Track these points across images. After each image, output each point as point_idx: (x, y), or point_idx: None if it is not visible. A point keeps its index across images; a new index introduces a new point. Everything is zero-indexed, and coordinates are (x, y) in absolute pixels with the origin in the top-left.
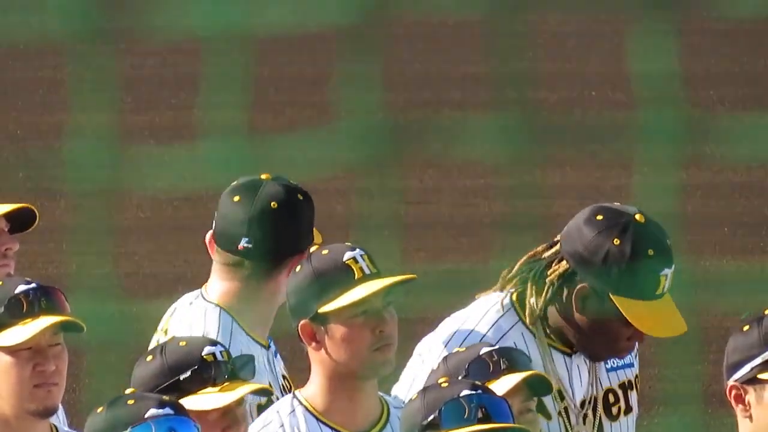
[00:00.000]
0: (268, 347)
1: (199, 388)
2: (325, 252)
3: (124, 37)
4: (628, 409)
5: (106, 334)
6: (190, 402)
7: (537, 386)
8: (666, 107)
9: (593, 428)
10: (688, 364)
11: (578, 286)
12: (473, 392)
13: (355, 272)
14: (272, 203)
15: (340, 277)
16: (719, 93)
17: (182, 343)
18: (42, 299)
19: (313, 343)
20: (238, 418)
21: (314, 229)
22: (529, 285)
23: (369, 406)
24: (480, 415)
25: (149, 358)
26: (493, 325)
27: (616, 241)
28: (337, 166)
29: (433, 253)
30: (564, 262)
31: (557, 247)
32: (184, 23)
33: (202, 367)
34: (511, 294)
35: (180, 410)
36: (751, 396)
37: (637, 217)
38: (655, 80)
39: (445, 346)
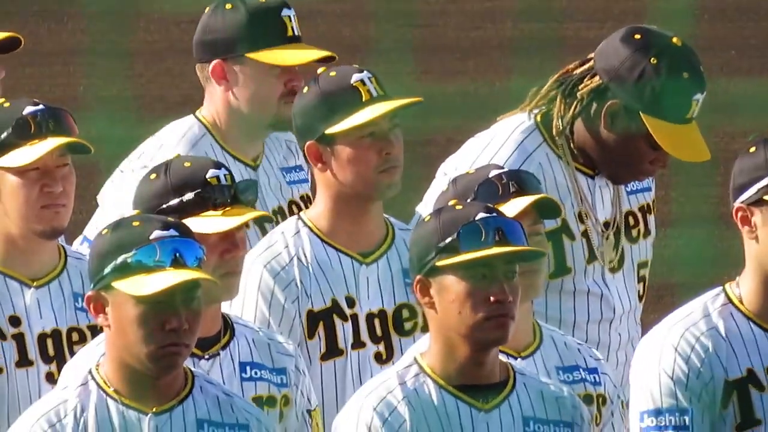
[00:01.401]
0: (255, 166)
1: (200, 210)
2: (332, 74)
3: None
4: (647, 232)
5: (113, 157)
6: (191, 224)
7: (545, 209)
8: None
9: (614, 249)
10: (697, 186)
11: (609, 102)
12: (489, 215)
13: (363, 94)
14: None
15: (347, 98)
16: None
17: (186, 164)
18: (50, 120)
19: (319, 164)
20: (238, 242)
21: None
22: (558, 100)
23: (374, 228)
24: (497, 237)
25: (153, 176)
26: (518, 146)
27: (653, 60)
28: None
29: (441, 76)
30: (596, 78)
31: (590, 63)
32: None
33: (205, 190)
34: (535, 115)
35: (185, 232)
36: (757, 217)
37: (674, 39)
38: None
39: (471, 166)
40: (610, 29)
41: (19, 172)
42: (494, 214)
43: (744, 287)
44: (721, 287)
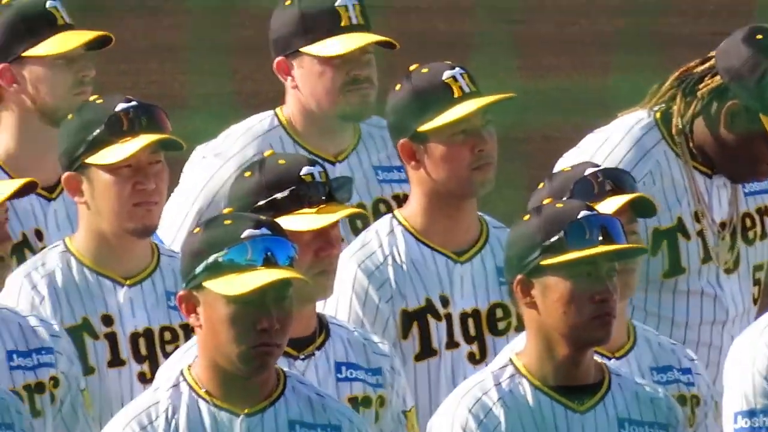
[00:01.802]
0: (335, 161)
1: (295, 207)
2: (424, 70)
3: None
4: (764, 234)
5: None
6: (285, 222)
7: (641, 208)
8: None
9: (730, 251)
10: None
11: (729, 102)
12: (591, 213)
13: (455, 91)
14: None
15: (439, 95)
16: None
17: (281, 161)
18: (142, 117)
19: (413, 162)
20: (332, 240)
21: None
22: (678, 98)
23: (468, 226)
24: (601, 236)
25: (247, 173)
26: (636, 143)
27: None
28: None
29: (537, 72)
30: (717, 77)
31: (711, 62)
32: None
33: (299, 187)
34: (655, 112)
35: (277, 230)
36: None
37: None
38: None
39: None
40: (705, 24)
41: (111, 169)
42: (596, 212)
43: None
44: None
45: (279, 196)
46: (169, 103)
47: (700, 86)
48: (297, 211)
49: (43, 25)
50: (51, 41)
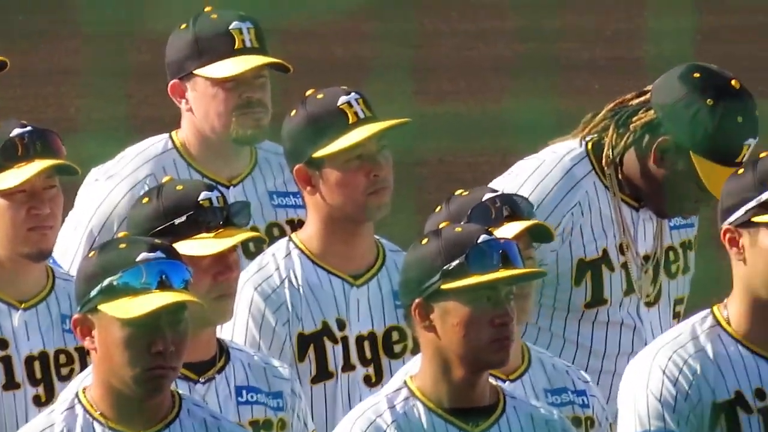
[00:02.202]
0: (229, 185)
1: (193, 233)
2: (320, 96)
3: None
4: (686, 268)
5: None
6: (184, 247)
7: (538, 234)
8: None
9: (652, 283)
10: None
11: (660, 138)
12: (491, 237)
13: (349, 116)
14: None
15: (334, 121)
16: None
17: (179, 187)
18: (37, 142)
19: (309, 188)
20: (231, 264)
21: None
22: (611, 129)
23: (364, 250)
24: (501, 260)
25: (145, 200)
26: (566, 173)
27: (710, 102)
28: (338, 9)
29: (434, 97)
30: (651, 112)
31: (647, 96)
32: None
33: (197, 212)
34: (587, 143)
35: (172, 254)
36: (745, 239)
37: (733, 82)
38: None
39: (517, 190)
40: (602, 50)
41: (5, 194)
42: (495, 237)
43: (732, 309)
44: (709, 309)
45: (177, 221)
46: (66, 127)
47: (634, 119)
48: (195, 236)
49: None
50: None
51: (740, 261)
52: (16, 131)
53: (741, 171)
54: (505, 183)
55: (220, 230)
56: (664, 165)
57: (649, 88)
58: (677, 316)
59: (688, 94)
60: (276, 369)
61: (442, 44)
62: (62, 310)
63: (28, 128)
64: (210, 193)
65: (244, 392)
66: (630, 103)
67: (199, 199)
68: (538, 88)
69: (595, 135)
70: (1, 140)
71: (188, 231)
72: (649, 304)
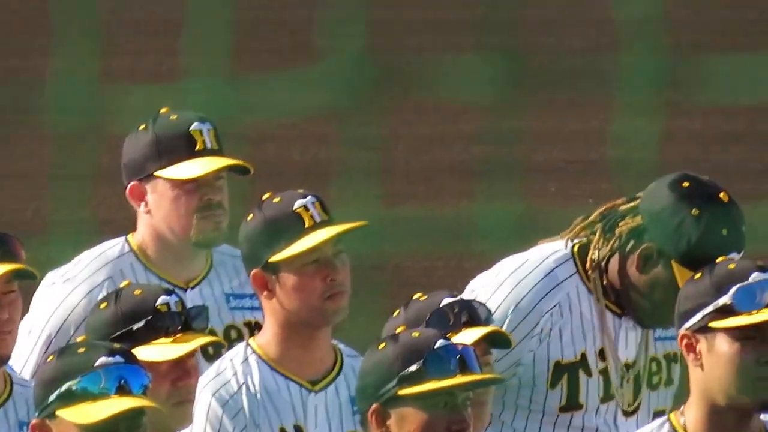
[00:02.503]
0: (186, 288)
1: (152, 338)
2: (276, 200)
3: None
4: (669, 381)
5: None
6: (142, 352)
7: (496, 340)
8: (648, 51)
9: (635, 393)
10: None
11: (645, 244)
12: (448, 343)
13: (306, 220)
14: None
15: (290, 225)
16: (701, 37)
17: (137, 292)
18: None
19: (265, 292)
20: (189, 369)
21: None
22: (598, 233)
23: (322, 355)
24: (459, 366)
25: (103, 305)
26: (549, 273)
27: (695, 212)
28: (296, 113)
29: (392, 200)
30: (638, 218)
31: (636, 202)
32: None
33: (155, 318)
34: (574, 245)
35: (130, 359)
36: (702, 344)
37: (722, 194)
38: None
39: (498, 287)
40: (560, 151)
41: None
42: (452, 342)
43: (689, 416)
44: (666, 416)
45: (135, 326)
46: (24, 230)
47: (621, 224)
48: (154, 341)
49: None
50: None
51: (697, 367)
52: None
53: (698, 276)
54: (486, 280)
55: (179, 335)
56: (645, 272)
57: (640, 194)
58: None
59: (675, 202)
60: None
61: (400, 148)
62: (20, 416)
63: None
64: (168, 297)
65: None
66: (620, 208)
67: (157, 304)
68: (496, 191)
69: (584, 238)
70: None
71: (147, 336)
72: (627, 414)
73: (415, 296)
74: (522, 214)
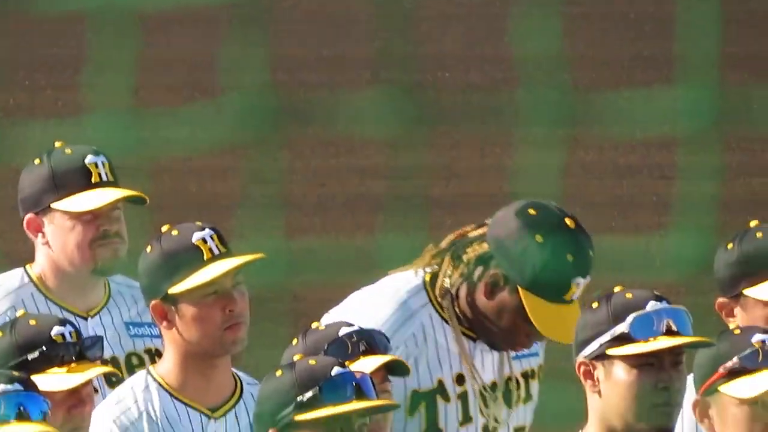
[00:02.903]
0: (86, 317)
1: (47, 367)
2: (174, 232)
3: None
4: (528, 397)
5: None
6: (37, 381)
7: (394, 369)
8: (547, 88)
9: (512, 407)
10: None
11: (492, 271)
12: (344, 370)
13: (204, 252)
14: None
15: (188, 257)
16: (598, 73)
17: (32, 322)
18: None
19: (165, 323)
20: (84, 397)
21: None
22: (446, 260)
23: (222, 383)
24: (355, 392)
25: None
26: (401, 305)
27: (539, 238)
28: (193, 146)
29: (286, 232)
30: (485, 244)
31: (484, 229)
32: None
33: (50, 348)
34: (425, 274)
35: (29, 386)
36: (599, 371)
37: (568, 221)
38: (537, 61)
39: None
40: (454, 186)
41: None
42: (348, 369)
43: None
44: None
45: (30, 356)
46: None
47: (468, 251)
48: (48, 371)
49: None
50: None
51: (595, 393)
52: None
53: (596, 305)
54: (340, 313)
55: (73, 365)
56: (492, 298)
57: (488, 221)
58: None
59: (519, 229)
60: None
61: (295, 180)
62: None
63: None
64: (63, 328)
65: None
66: (469, 235)
67: (52, 334)
68: (392, 224)
69: (435, 266)
70: None
71: (42, 365)
72: None
73: (314, 325)
74: (418, 246)
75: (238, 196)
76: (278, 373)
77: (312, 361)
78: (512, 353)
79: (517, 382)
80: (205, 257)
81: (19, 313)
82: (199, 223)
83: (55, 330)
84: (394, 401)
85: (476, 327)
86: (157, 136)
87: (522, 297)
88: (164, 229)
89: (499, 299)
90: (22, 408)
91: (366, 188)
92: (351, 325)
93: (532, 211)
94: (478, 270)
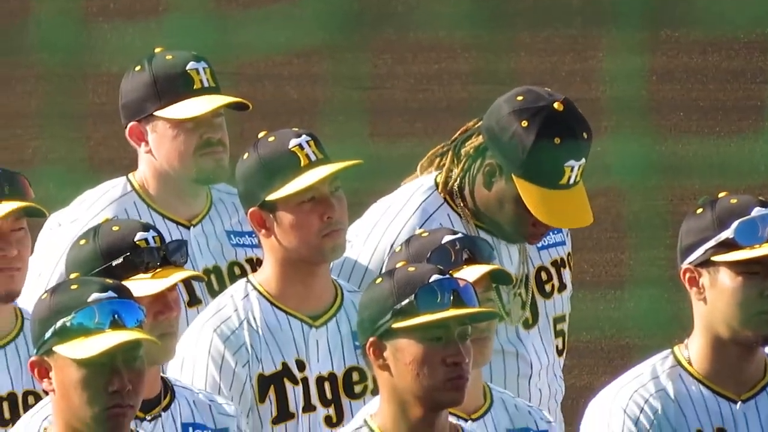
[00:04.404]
0: (189, 225)
1: (131, 273)
2: (271, 139)
3: None
4: (562, 287)
5: None
6: None
7: (498, 277)
8: None
9: (525, 306)
10: (646, 248)
11: (487, 162)
12: (443, 277)
13: (301, 159)
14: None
15: (285, 164)
16: None
17: (115, 228)
18: (5, 185)
19: (263, 230)
20: (170, 303)
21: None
22: (449, 157)
23: (322, 291)
24: (452, 299)
25: (82, 241)
26: (418, 208)
27: (524, 123)
28: (292, 51)
29: (389, 138)
30: (480, 137)
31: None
32: None
33: (134, 253)
34: (436, 176)
35: (123, 293)
36: (704, 278)
37: (556, 105)
38: None
39: (371, 231)
40: (558, 91)
41: None
42: (448, 276)
43: (693, 349)
44: (670, 349)
45: (114, 263)
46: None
47: (467, 144)
48: (133, 277)
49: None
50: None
51: (700, 301)
52: None
53: (700, 210)
54: (358, 227)
55: (158, 270)
56: (492, 190)
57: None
58: (560, 334)
59: (507, 116)
60: (221, 406)
61: (396, 86)
62: (31, 352)
63: None
64: (146, 233)
65: (190, 429)
66: (469, 130)
67: (135, 240)
68: None
69: (443, 166)
70: None
71: (126, 272)
72: (527, 327)
73: (417, 232)
74: None
75: (335, 101)
76: (378, 280)
77: (411, 269)
78: (538, 244)
79: (548, 272)
80: (302, 163)
81: (102, 219)
82: (295, 129)
83: (139, 235)
84: (495, 309)
85: (486, 221)
86: (246, 39)
87: (516, 185)
88: (260, 135)
89: (497, 190)
90: (116, 316)
91: (467, 93)
92: (455, 232)
93: (519, 98)
94: (477, 162)
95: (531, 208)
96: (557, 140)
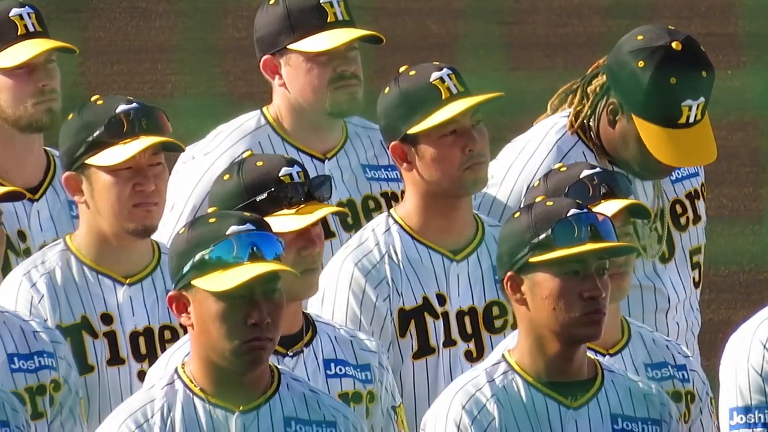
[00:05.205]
0: (324, 159)
1: (275, 209)
2: (412, 73)
3: None
4: (697, 218)
5: None
6: None
7: (635, 211)
8: None
9: (662, 240)
10: None
11: (610, 101)
12: (581, 211)
13: (442, 92)
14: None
15: (427, 97)
16: None
17: (259, 163)
18: (143, 119)
19: (405, 164)
20: (314, 238)
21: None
22: (577, 95)
23: (463, 225)
24: (590, 233)
25: (226, 176)
26: (553, 147)
27: (641, 63)
28: None
29: (529, 72)
30: (603, 76)
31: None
32: None
33: (278, 189)
34: (570, 114)
35: (262, 226)
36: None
37: (674, 44)
38: None
39: (507, 172)
40: (697, 25)
41: (111, 170)
42: (586, 210)
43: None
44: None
45: (258, 198)
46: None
47: (594, 83)
48: (277, 213)
49: (9, 32)
50: (12, 50)
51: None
52: (122, 107)
53: (517, 215)
54: (494, 168)
55: (302, 206)
56: (616, 128)
57: None
58: (696, 267)
59: (625, 55)
60: (362, 342)
61: (536, 21)
62: (168, 286)
63: (134, 105)
64: (290, 168)
65: (332, 365)
66: (598, 68)
67: (280, 175)
68: None
69: (574, 103)
70: (106, 117)
71: (270, 207)
72: (664, 260)
73: (555, 166)
74: None
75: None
76: (516, 215)
77: (549, 203)
78: (672, 177)
79: (683, 204)
80: (443, 96)
81: (246, 153)
82: (436, 63)
83: (283, 171)
84: (633, 244)
85: (614, 158)
86: None
87: (636, 124)
88: (402, 69)
89: (620, 128)
90: (255, 248)
91: (606, 28)
92: (593, 166)
93: (639, 37)
94: (603, 101)
95: (650, 147)
96: (673, 80)
